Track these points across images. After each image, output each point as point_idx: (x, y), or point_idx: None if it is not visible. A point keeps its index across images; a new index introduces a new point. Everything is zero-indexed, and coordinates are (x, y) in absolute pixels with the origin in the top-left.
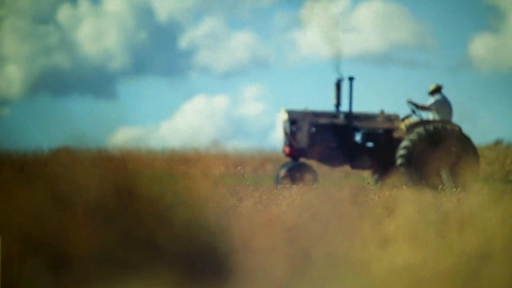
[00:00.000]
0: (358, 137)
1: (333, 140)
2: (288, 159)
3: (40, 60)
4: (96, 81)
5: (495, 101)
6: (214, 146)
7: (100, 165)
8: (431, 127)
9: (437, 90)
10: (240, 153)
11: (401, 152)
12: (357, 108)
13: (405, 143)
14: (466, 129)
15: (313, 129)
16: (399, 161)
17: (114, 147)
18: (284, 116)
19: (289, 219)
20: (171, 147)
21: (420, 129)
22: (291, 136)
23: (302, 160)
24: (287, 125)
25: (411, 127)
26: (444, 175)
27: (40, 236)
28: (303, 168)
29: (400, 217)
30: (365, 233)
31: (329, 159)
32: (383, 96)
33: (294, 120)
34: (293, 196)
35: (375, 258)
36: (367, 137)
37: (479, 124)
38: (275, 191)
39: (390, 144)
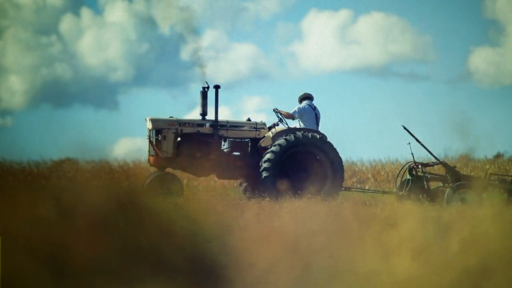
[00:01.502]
0: (224, 146)
1: (198, 149)
2: (153, 169)
3: (42, 71)
4: (98, 92)
5: (495, 115)
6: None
7: (102, 176)
8: (292, 137)
9: (306, 98)
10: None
11: (264, 164)
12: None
13: (267, 154)
14: (467, 143)
15: (179, 138)
16: (263, 173)
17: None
18: (148, 125)
19: (291, 232)
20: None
21: (282, 139)
22: (156, 145)
23: (168, 170)
24: (152, 134)
25: (275, 136)
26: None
27: (42, 245)
28: (168, 179)
29: (402, 230)
30: (367, 246)
31: (195, 169)
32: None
33: (159, 129)
34: (296, 210)
35: (377, 271)
36: (233, 146)
37: (479, 137)
38: (277, 204)
39: (257, 153)
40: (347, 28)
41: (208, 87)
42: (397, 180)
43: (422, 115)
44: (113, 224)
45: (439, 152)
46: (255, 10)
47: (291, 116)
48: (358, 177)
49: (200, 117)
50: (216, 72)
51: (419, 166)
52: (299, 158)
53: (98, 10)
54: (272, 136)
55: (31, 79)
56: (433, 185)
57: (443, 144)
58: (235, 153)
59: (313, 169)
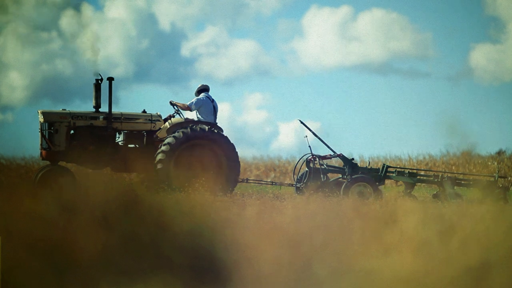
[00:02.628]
0: (119, 139)
1: (92, 142)
2: (46, 163)
3: (42, 67)
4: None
5: (496, 111)
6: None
7: (104, 173)
8: (189, 129)
9: (203, 90)
10: (244, 161)
11: (159, 156)
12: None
13: (163, 146)
14: (468, 139)
15: (71, 131)
16: (158, 165)
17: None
18: (40, 118)
19: (292, 229)
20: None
21: (178, 131)
22: (48, 139)
23: (61, 163)
24: (44, 127)
25: (171, 128)
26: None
27: (44, 241)
28: (59, 172)
29: (403, 227)
30: (368, 243)
31: (89, 162)
32: (383, 105)
33: (51, 122)
34: (298, 206)
35: (377, 268)
36: (128, 138)
37: (481, 134)
38: (279, 201)
39: (153, 146)
40: (347, 25)
41: (101, 79)
42: (295, 172)
43: (423, 111)
44: (114, 220)
45: (440, 148)
46: (256, 6)
47: (188, 108)
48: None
49: (94, 110)
50: (216, 68)
51: (316, 159)
52: (195, 151)
53: (98, 6)
54: (168, 128)
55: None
56: (333, 177)
57: (444, 140)
58: (130, 145)
59: (209, 161)
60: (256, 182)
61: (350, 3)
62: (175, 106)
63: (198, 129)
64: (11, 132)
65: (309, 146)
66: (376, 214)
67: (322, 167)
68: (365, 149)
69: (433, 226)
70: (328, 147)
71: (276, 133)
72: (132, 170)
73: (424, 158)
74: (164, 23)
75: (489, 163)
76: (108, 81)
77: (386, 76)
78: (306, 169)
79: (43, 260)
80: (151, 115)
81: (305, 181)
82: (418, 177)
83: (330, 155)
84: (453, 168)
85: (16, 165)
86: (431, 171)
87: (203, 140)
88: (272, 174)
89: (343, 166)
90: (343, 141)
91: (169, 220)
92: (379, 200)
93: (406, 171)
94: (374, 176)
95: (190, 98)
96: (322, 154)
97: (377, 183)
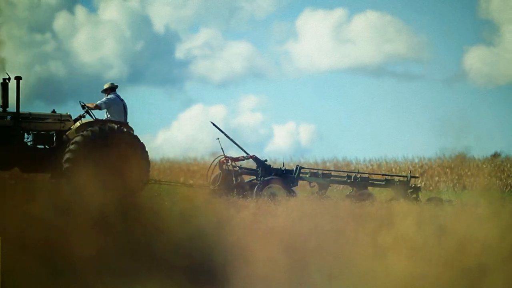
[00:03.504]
0: (28, 139)
1: None
2: None
3: (36, 69)
4: (92, 90)
5: (491, 114)
6: (213, 156)
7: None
8: (97, 128)
9: (111, 89)
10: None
11: (67, 155)
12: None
13: (71, 146)
14: (464, 142)
15: None
16: (65, 165)
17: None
18: None
19: (287, 231)
20: (169, 157)
21: (87, 130)
22: None
23: None
24: None
25: (79, 128)
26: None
27: (41, 243)
28: None
29: (398, 229)
30: (363, 246)
31: None
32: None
33: None
34: (291, 208)
35: (373, 270)
36: (37, 138)
37: (476, 137)
38: (274, 202)
39: (63, 146)
40: (342, 27)
41: (9, 79)
42: (208, 174)
43: (417, 114)
44: (111, 223)
45: (435, 151)
46: (251, 9)
47: (98, 107)
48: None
49: (1, 109)
50: (211, 70)
51: (229, 161)
52: (103, 150)
53: (92, 8)
54: (77, 128)
55: (25, 77)
56: (248, 178)
57: (439, 143)
58: (39, 146)
59: (118, 161)
60: (167, 183)
61: (345, 5)
62: (85, 106)
63: (107, 128)
64: None
65: (222, 148)
66: (372, 217)
67: (235, 169)
68: (359, 151)
69: (428, 228)
70: (241, 148)
71: (271, 135)
72: (41, 171)
73: (421, 160)
74: (159, 25)
75: (484, 166)
76: (16, 81)
77: (381, 79)
78: (219, 171)
79: (40, 261)
80: (61, 115)
81: (218, 183)
82: (331, 177)
83: (243, 156)
84: (449, 170)
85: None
86: (345, 171)
87: (112, 139)
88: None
89: (256, 168)
90: (337, 143)
91: (164, 222)
92: (376, 203)
93: (320, 172)
94: (287, 177)
95: (184, 100)
96: (235, 156)
97: (290, 185)
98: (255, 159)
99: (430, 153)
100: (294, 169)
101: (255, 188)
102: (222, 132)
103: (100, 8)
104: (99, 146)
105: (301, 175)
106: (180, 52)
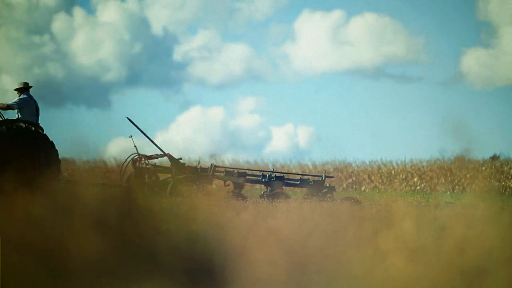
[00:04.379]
0: None
1: None
2: None
3: (34, 70)
4: (90, 92)
5: (489, 116)
6: (212, 158)
7: (99, 176)
8: (5, 128)
9: (25, 89)
10: (238, 166)
11: None
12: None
13: None
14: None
15: None
16: None
17: (110, 158)
18: None
19: (287, 233)
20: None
21: None
22: None
23: None
24: None
25: None
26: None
27: (41, 245)
28: None
29: (398, 231)
30: (363, 247)
31: None
32: (376, 109)
33: None
34: (291, 210)
35: (372, 271)
36: None
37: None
38: (273, 203)
39: None
40: (339, 29)
41: None
42: (121, 172)
43: (416, 116)
44: (109, 224)
45: (434, 153)
46: (248, 11)
47: (10, 107)
48: (353, 178)
49: None
50: (209, 72)
51: (142, 159)
52: (12, 149)
53: (90, 10)
54: None
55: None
56: (163, 177)
57: (438, 145)
58: None
59: (27, 159)
60: (78, 182)
61: (342, 7)
62: None
63: (15, 127)
64: None
65: (135, 146)
66: (372, 218)
67: (149, 167)
68: (358, 153)
69: (427, 230)
70: (156, 146)
71: (269, 137)
72: None
73: (420, 162)
74: (157, 27)
75: (483, 168)
76: None
77: (379, 81)
78: (133, 169)
79: (39, 262)
80: None
81: (131, 182)
82: (246, 177)
83: (157, 154)
84: (448, 172)
85: (83, 169)
86: (260, 171)
87: (20, 138)
88: None
89: (171, 166)
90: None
91: (164, 223)
92: (376, 205)
93: (235, 171)
94: (202, 176)
95: (182, 102)
96: (148, 154)
97: (205, 183)
98: (169, 157)
99: (429, 155)
100: (209, 167)
101: (169, 186)
102: (138, 128)
103: (98, 10)
104: (7, 144)
105: (216, 173)
106: (178, 54)
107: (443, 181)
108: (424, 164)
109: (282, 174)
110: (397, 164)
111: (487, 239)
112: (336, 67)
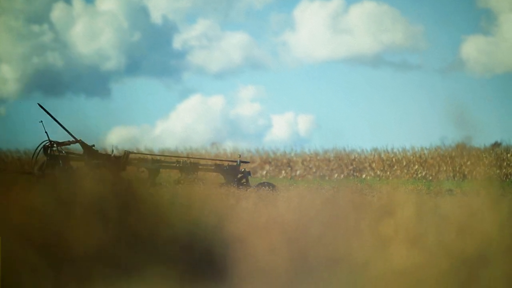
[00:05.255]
0: None
1: None
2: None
3: (34, 60)
4: (90, 81)
5: (489, 103)
6: (213, 147)
7: (99, 165)
8: None
9: None
10: (238, 154)
11: None
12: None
13: None
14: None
15: None
16: None
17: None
18: None
19: (289, 220)
20: (167, 147)
21: None
22: None
23: None
24: None
25: None
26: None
27: (41, 236)
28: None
29: (399, 219)
30: (364, 235)
31: None
32: (374, 97)
33: None
34: (292, 198)
35: (374, 259)
36: None
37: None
38: (274, 192)
39: None
40: (339, 17)
41: None
42: (33, 160)
43: (416, 103)
44: (110, 213)
45: (434, 140)
46: None
47: None
48: (354, 166)
49: None
50: (208, 61)
51: (54, 145)
52: None
53: None
54: None
55: (22, 68)
56: (76, 164)
57: (439, 133)
58: None
59: None
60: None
61: None
62: None
63: None
64: (5, 126)
65: (46, 132)
66: (372, 206)
67: (61, 153)
68: (358, 141)
69: (429, 217)
70: (68, 132)
71: (270, 125)
72: None
73: (422, 149)
74: (156, 16)
75: (484, 156)
76: None
77: (378, 68)
78: (44, 156)
79: (40, 252)
80: None
81: (43, 168)
82: (160, 163)
83: (69, 141)
84: (448, 160)
85: (11, 159)
86: (175, 157)
87: None
88: (267, 167)
89: (84, 153)
90: (335, 133)
91: (165, 212)
92: (377, 193)
93: (150, 157)
94: (115, 162)
95: (182, 91)
96: (60, 141)
97: (117, 170)
98: (82, 143)
99: (430, 143)
100: (123, 154)
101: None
102: (49, 114)
103: None
104: None
105: (130, 160)
106: (177, 43)
107: (444, 168)
108: (425, 151)
109: (196, 160)
110: (397, 151)
111: (488, 227)
112: (335, 55)
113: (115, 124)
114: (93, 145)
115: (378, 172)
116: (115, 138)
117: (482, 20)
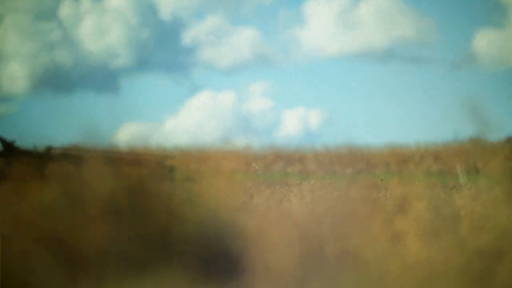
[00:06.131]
0: None
1: None
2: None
3: (43, 57)
4: (99, 78)
5: (502, 97)
6: (224, 142)
7: (111, 162)
8: None
9: None
10: (250, 150)
11: None
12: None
13: None
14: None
15: None
16: None
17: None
18: None
19: (301, 216)
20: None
21: None
22: None
23: None
24: None
25: None
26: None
27: (53, 234)
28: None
29: (412, 214)
30: (377, 230)
31: None
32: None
33: None
34: (303, 193)
35: (387, 254)
36: None
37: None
38: (287, 187)
39: None
40: (349, 12)
41: None
42: None
43: (428, 97)
44: (123, 210)
45: (448, 135)
46: None
47: None
48: (367, 160)
49: None
50: (218, 57)
51: None
52: None
53: None
54: None
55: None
56: None
57: (452, 127)
58: None
59: None
60: None
61: None
62: None
63: None
64: (15, 123)
65: None
66: (387, 201)
67: None
68: (369, 136)
69: (443, 212)
70: None
71: (281, 121)
72: None
73: (435, 144)
74: (165, 12)
75: (498, 150)
76: None
77: (390, 63)
78: None
79: (51, 250)
80: None
81: None
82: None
83: None
84: (462, 154)
85: (27, 156)
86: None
87: None
88: (281, 163)
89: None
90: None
91: (177, 208)
92: (391, 188)
93: (69, 153)
94: (35, 158)
95: (191, 87)
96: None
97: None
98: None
99: (443, 137)
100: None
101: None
102: None
103: None
104: None
105: (52, 156)
106: (186, 39)
107: (458, 163)
108: (439, 146)
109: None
110: (411, 146)
111: (503, 220)
112: (346, 50)
113: (125, 121)
114: (13, 141)
115: (392, 167)
116: (126, 135)
117: (494, 13)
